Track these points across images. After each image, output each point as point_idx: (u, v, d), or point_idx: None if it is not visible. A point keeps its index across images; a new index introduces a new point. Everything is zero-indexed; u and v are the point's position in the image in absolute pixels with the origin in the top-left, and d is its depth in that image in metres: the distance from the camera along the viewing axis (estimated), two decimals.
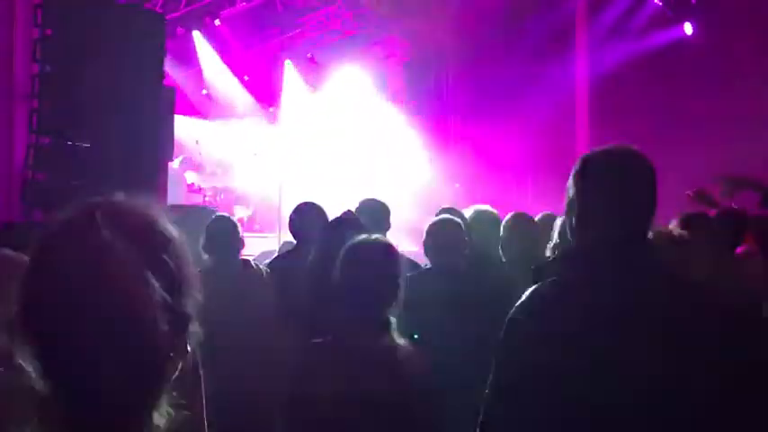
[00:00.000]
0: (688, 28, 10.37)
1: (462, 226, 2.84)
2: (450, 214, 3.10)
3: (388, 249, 2.02)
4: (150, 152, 4.99)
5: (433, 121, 11.79)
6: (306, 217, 3.38)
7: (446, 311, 2.50)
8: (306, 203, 3.49)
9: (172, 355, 0.69)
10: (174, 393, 0.72)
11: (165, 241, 0.73)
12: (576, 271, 1.39)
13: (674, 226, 2.84)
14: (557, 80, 10.69)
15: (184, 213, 4.03)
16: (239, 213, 10.14)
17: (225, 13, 10.36)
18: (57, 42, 4.82)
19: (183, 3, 9.95)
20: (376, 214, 3.33)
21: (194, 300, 0.75)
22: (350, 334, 1.92)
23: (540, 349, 1.32)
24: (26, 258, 0.70)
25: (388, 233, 3.22)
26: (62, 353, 0.62)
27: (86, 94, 4.70)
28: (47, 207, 4.76)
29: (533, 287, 1.43)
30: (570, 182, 1.44)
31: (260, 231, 9.81)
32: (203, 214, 4.70)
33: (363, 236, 2.05)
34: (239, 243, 3.43)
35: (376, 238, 2.06)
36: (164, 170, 6.00)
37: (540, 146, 11.51)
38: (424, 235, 2.86)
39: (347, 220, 2.76)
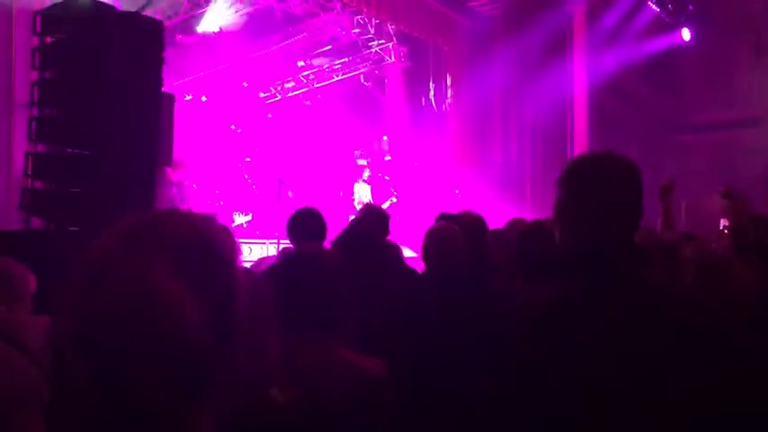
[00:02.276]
0: (686, 34, 10.40)
1: (459, 233, 2.84)
2: (450, 221, 3.09)
3: None
4: (149, 159, 4.97)
5: (430, 126, 11.81)
6: (304, 224, 3.38)
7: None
8: (304, 210, 3.48)
9: (214, 366, 0.72)
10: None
11: (210, 255, 0.75)
12: (570, 280, 1.38)
13: None
14: (555, 85, 10.72)
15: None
16: (238, 220, 10.14)
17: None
18: (56, 50, 4.82)
19: (183, 10, 9.97)
20: (376, 221, 3.33)
21: (239, 311, 0.77)
22: None
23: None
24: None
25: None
26: (107, 360, 0.67)
27: (85, 101, 4.69)
28: (45, 215, 4.75)
29: (527, 294, 1.44)
30: (558, 186, 1.43)
31: (260, 238, 9.79)
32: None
33: None
34: None
35: None
36: (162, 177, 6.00)
37: (538, 150, 11.52)
38: (423, 241, 2.86)
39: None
